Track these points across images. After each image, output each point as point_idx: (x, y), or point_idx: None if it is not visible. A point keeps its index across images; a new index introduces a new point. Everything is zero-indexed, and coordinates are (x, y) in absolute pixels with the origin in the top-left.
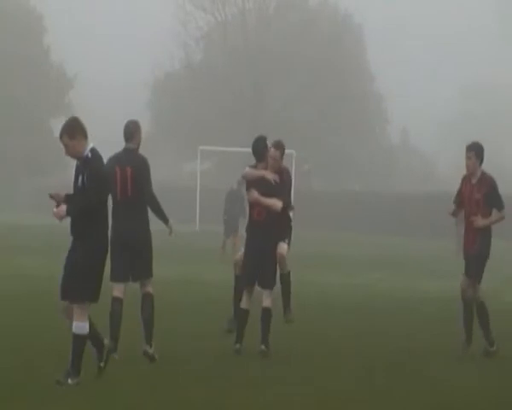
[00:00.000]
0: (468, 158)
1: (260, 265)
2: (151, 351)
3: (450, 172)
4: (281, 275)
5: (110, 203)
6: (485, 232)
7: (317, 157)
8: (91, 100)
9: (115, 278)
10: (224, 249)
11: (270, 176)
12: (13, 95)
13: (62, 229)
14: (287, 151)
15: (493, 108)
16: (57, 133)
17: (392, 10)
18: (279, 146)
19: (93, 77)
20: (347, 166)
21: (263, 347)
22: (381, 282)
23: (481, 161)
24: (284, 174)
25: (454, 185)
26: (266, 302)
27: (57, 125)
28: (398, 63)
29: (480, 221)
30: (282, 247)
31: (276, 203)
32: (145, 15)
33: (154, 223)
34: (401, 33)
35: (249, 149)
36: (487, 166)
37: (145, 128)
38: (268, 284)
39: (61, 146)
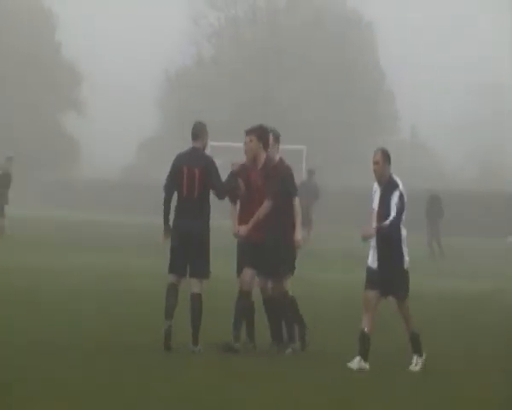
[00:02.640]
0: (249, 141)
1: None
2: (197, 350)
3: (459, 170)
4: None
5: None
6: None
7: (326, 154)
8: (102, 96)
9: (171, 270)
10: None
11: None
12: (23, 90)
13: (69, 222)
14: (297, 147)
15: (504, 108)
16: (66, 128)
17: (403, 8)
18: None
19: (104, 73)
20: (356, 163)
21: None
22: None
23: (265, 144)
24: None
25: (463, 183)
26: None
27: (66, 120)
28: (410, 61)
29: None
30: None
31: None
32: (156, 12)
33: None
34: (413, 31)
35: None
36: (498, 165)
37: (155, 125)
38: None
39: (70, 140)
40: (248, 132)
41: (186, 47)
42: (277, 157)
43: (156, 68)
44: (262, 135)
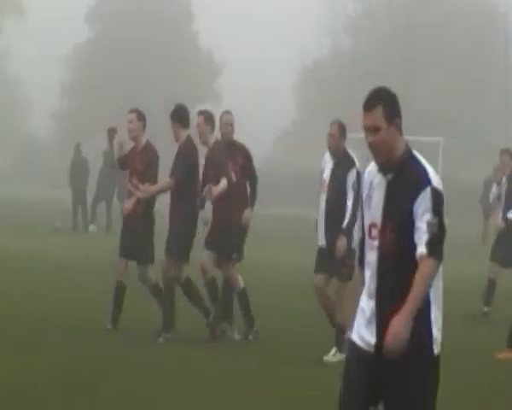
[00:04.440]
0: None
1: None
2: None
3: None
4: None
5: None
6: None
7: (465, 145)
8: (238, 86)
9: None
10: (484, 239)
11: None
12: (160, 81)
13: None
14: (434, 139)
15: None
16: None
17: None
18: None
19: (240, 63)
20: (494, 155)
21: None
22: None
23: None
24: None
25: None
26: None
27: None
28: None
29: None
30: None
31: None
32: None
33: None
34: None
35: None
36: None
37: (291, 115)
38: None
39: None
40: (130, 111)
41: (322, 37)
42: (213, 139)
43: (291, 57)
44: (142, 115)
